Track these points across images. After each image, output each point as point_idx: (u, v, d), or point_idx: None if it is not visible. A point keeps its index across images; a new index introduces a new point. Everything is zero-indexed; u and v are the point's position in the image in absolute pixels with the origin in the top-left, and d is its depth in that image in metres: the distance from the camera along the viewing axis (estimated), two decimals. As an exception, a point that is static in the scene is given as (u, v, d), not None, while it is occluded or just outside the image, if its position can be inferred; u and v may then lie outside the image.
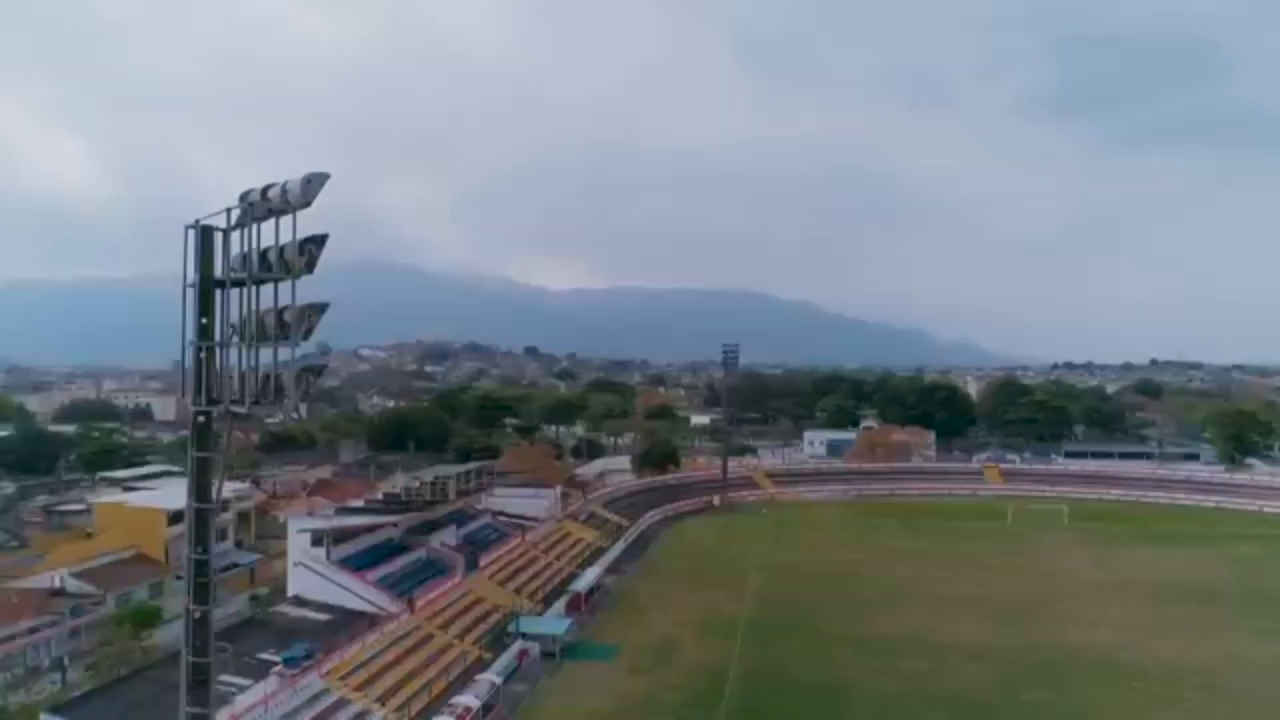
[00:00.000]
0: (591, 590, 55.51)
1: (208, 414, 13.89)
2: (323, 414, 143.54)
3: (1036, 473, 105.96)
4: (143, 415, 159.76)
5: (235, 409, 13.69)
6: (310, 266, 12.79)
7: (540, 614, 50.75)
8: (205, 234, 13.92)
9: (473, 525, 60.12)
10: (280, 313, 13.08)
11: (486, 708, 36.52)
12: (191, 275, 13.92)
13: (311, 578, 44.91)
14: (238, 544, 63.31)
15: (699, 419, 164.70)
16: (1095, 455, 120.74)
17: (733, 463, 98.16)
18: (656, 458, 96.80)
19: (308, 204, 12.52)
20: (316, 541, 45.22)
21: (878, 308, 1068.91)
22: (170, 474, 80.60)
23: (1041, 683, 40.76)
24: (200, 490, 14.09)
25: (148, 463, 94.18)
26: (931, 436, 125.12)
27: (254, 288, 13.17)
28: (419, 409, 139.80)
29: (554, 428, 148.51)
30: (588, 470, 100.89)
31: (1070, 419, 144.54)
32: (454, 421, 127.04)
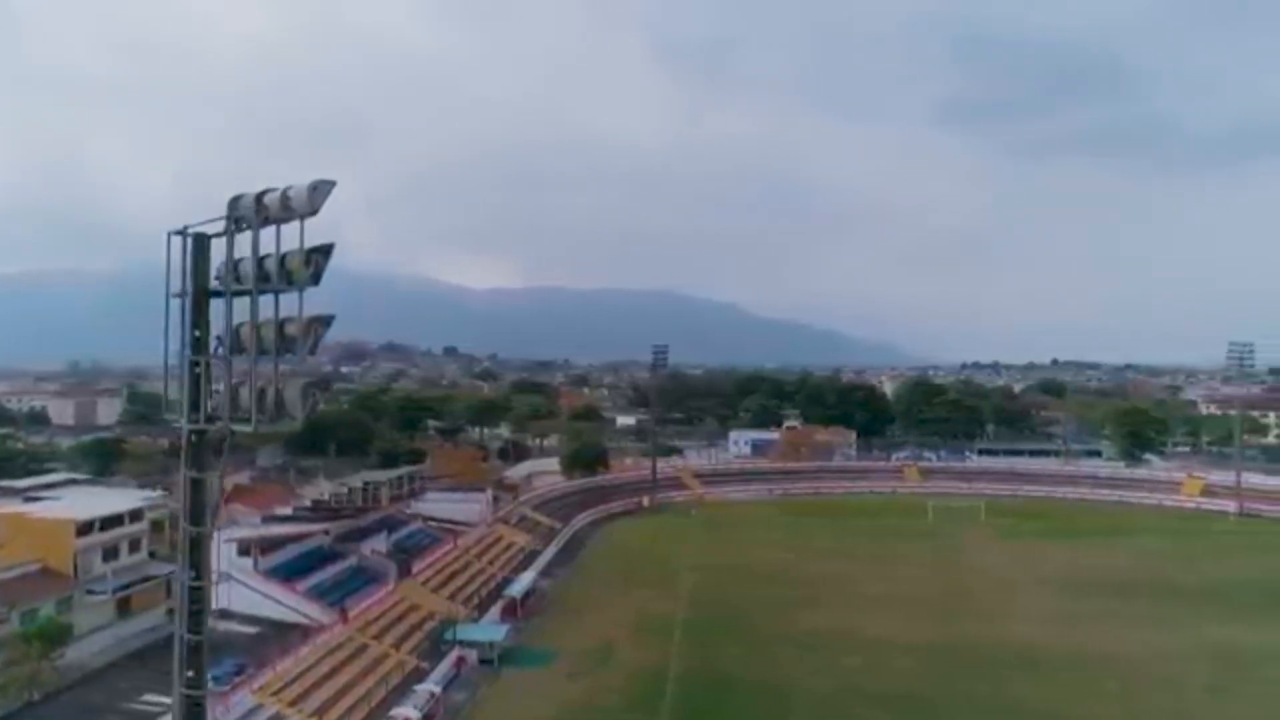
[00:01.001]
0: (526, 594, 54.99)
1: (202, 432, 13.17)
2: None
3: (953, 470, 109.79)
4: (39, 419, 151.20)
5: (239, 427, 13.02)
6: (316, 278, 12.24)
7: (476, 620, 50.04)
8: (199, 242, 13.19)
9: (403, 531, 58.89)
10: (281, 325, 12.50)
11: (426, 718, 35.80)
12: (176, 285, 13.20)
13: (238, 589, 43.28)
14: (151, 555, 60.48)
15: (624, 420, 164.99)
16: (1006, 453, 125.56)
17: (660, 463, 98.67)
18: (586, 459, 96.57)
19: (314, 211, 11.96)
20: (243, 551, 43.62)
21: (798, 309, 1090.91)
22: (75, 482, 76.38)
23: (973, 676, 42.14)
24: (194, 512, 13.36)
25: (50, 470, 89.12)
26: (852, 436, 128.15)
27: (253, 298, 12.56)
28: (338, 411, 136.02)
29: (478, 430, 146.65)
30: (515, 472, 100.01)
31: (982, 418, 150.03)
32: (375, 424, 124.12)
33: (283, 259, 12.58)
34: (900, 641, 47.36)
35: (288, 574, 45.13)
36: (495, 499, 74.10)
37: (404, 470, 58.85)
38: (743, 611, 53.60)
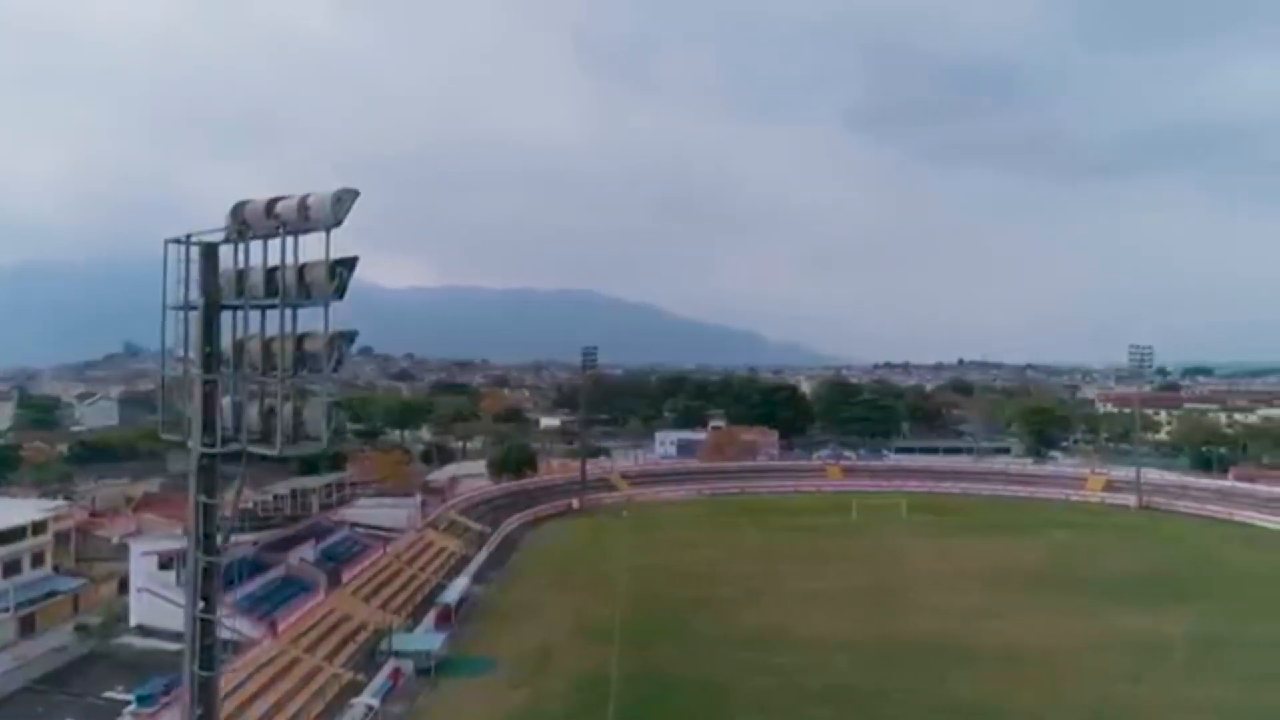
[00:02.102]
0: (460, 601, 54.04)
1: (212, 455, 12.34)
2: (142, 420, 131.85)
3: (874, 468, 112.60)
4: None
5: (260, 449, 12.22)
6: (341, 292, 11.58)
7: (410, 629, 48.88)
8: (209, 252, 12.35)
9: (331, 539, 57.08)
10: (300, 341, 11.78)
11: (367, 733, 34.77)
12: (174, 297, 12.35)
13: (159, 604, 41.13)
14: (55, 569, 57.10)
15: (549, 421, 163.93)
16: (922, 451, 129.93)
17: (588, 465, 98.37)
18: (513, 462, 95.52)
19: (338, 223, 11.29)
20: (165, 564, 41.50)
21: (715, 310, 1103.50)
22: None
23: (905, 670, 43.23)
24: (205, 540, 12.52)
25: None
26: (775, 435, 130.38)
27: (280, 313, 11.78)
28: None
29: (399, 432, 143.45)
30: (439, 476, 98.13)
31: (898, 417, 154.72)
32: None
33: (301, 271, 11.89)
34: (836, 638, 48.24)
35: (212, 587, 43.18)
36: (423, 504, 72.57)
37: (334, 477, 56.96)
38: (680, 612, 53.81)
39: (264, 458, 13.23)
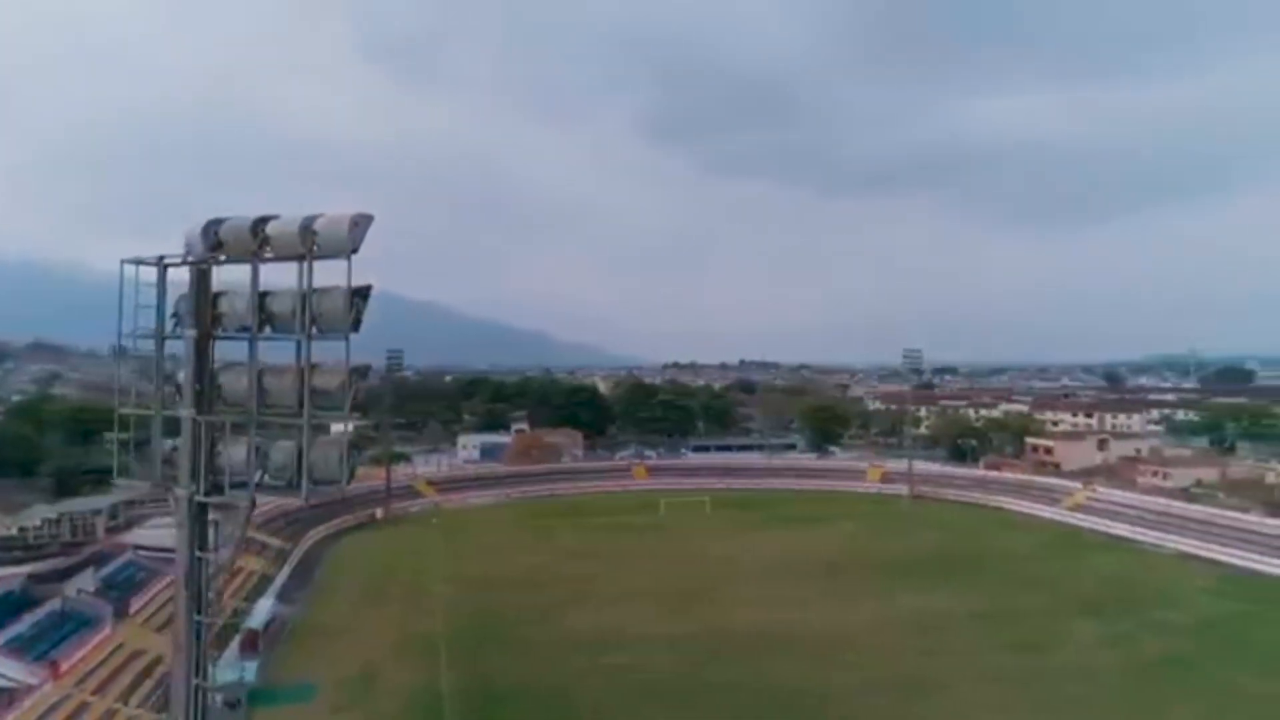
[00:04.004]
0: (267, 624, 50.36)
1: (204, 503, 10.62)
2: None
3: (676, 467, 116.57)
4: None
5: (277, 496, 10.63)
6: (357, 324, 10.32)
7: (214, 659, 44.78)
8: (202, 278, 10.61)
9: (113, 566, 51.14)
10: (302, 374, 10.37)
11: (181, 779, 31.59)
12: (130, 323, 10.54)
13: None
14: None
15: (337, 427, 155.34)
16: (718, 449, 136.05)
17: (390, 472, 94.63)
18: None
19: (355, 249, 10.05)
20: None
21: (506, 309, 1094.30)
22: None
23: (731, 661, 45.34)
24: (198, 599, 10.76)
25: None
26: (579, 436, 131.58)
27: (298, 346, 10.25)
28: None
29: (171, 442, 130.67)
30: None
31: (693, 416, 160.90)
32: (42, 439, 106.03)
33: (304, 299, 10.62)
34: (659, 634, 49.69)
35: (-28, 629, 37.46)
36: (215, 520, 66.63)
37: (120, 496, 51.06)
38: (504, 619, 53.22)
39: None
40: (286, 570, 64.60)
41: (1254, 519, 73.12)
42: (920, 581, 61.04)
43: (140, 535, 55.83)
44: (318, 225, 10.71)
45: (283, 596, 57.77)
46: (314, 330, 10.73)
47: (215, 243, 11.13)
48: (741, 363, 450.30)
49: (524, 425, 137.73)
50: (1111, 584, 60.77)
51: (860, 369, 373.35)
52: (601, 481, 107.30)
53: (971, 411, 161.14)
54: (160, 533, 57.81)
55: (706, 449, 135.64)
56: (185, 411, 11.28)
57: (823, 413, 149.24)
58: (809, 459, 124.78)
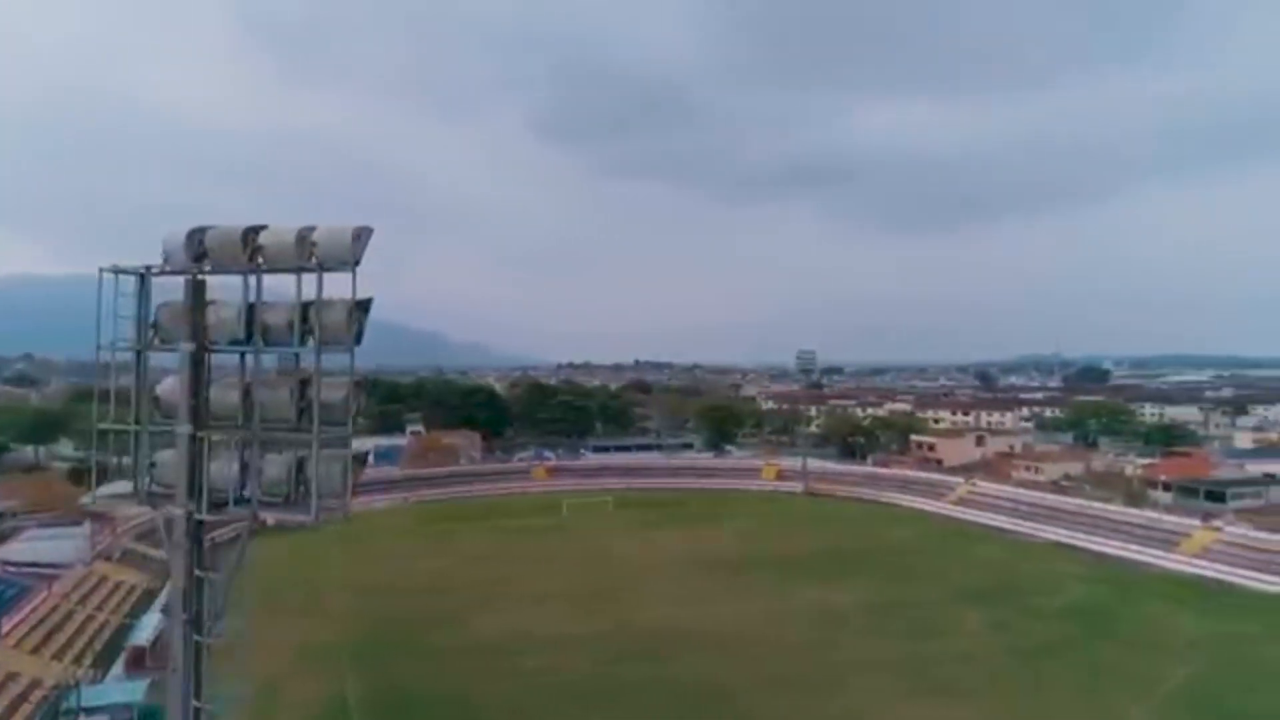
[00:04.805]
0: (155, 640, 47.79)
1: (200, 521, 9.97)
2: None
3: (576, 468, 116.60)
4: None
5: (279, 514, 10.03)
6: (359, 338, 9.91)
7: (99, 680, 42.42)
8: (197, 289, 9.98)
9: (-20, 583, 47.67)
10: (302, 386, 9.88)
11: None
12: (109, 332, 9.84)
13: None
14: None
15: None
16: (616, 449, 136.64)
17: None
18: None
19: (357, 262, 9.65)
20: None
21: (397, 308, 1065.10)
22: None
23: (643, 659, 45.88)
24: (198, 620, 10.11)
25: None
26: (477, 438, 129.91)
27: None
28: None
29: (32, 448, 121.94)
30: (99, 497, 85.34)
31: (591, 416, 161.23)
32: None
33: (304, 312, 10.25)
34: (569, 636, 49.86)
35: None
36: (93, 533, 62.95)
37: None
38: (413, 626, 52.27)
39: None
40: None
41: (1116, 509, 78.94)
42: (818, 576, 63.23)
43: (14, 549, 52.21)
44: (316, 236, 10.49)
45: (170, 610, 54.94)
46: (310, 343, 10.51)
47: (200, 252, 10.71)
48: (636, 363, 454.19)
49: (420, 427, 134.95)
50: (993, 573, 64.56)
51: (750, 369, 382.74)
52: (502, 483, 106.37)
53: (859, 410, 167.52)
54: (28, 546, 54.27)
55: (606, 449, 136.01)
56: (182, 427, 10.83)
57: (718, 412, 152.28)
58: (707, 458, 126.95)
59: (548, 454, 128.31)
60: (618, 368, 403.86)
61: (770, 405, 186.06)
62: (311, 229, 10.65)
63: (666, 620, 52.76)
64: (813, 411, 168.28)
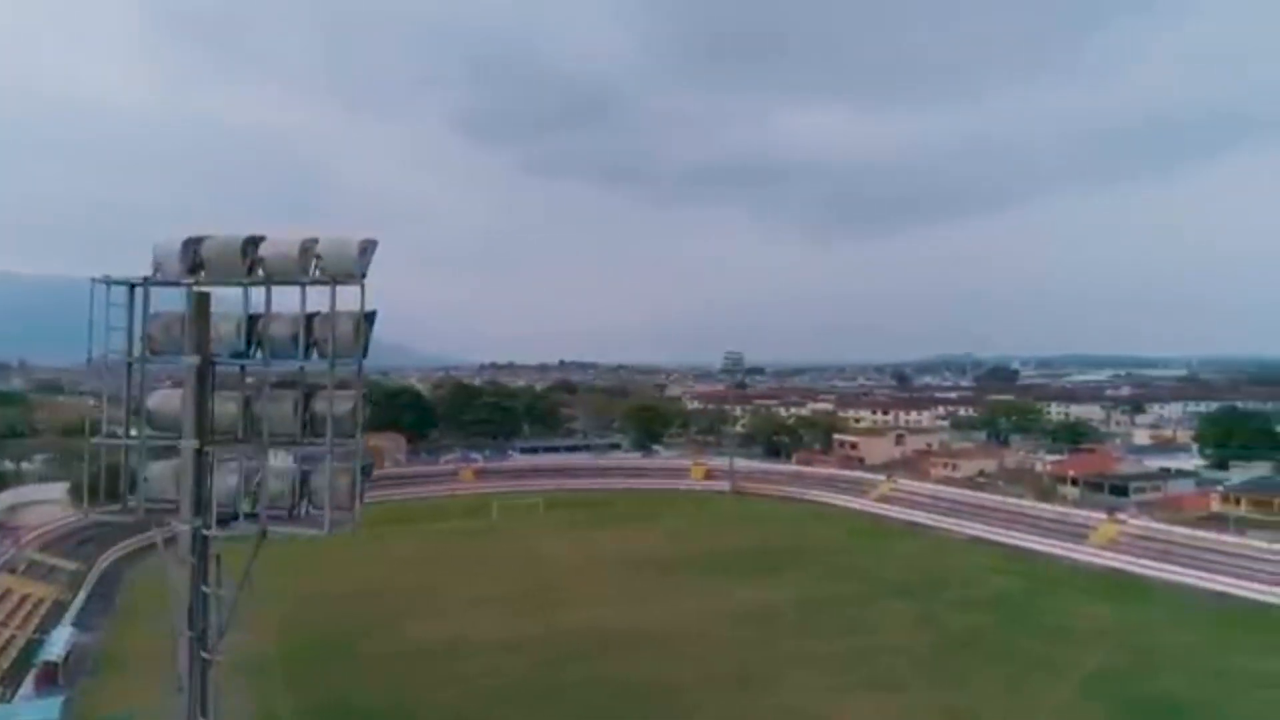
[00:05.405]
0: (67, 656, 45.56)
1: (205, 536, 9.41)
2: None
3: (505, 469, 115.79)
4: None
5: (290, 529, 9.49)
6: (365, 350, 9.53)
7: (8, 699, 40.24)
8: (200, 301, 9.43)
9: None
10: (306, 399, 9.45)
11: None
12: (101, 342, 9.22)
13: None
14: None
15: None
16: (544, 450, 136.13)
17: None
18: (109, 483, 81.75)
19: (363, 274, 9.29)
20: None
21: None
22: None
23: (580, 660, 45.94)
24: (204, 637, 9.53)
25: None
26: (403, 440, 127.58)
27: (330, 371, 9.21)
28: None
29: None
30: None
31: (518, 417, 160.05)
32: None
33: (309, 323, 9.89)
34: (508, 639, 49.50)
35: None
36: (-6, 543, 59.61)
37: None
38: (345, 635, 51.07)
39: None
40: (83, 595, 58.80)
41: (1028, 504, 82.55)
42: (749, 574, 64.30)
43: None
44: (320, 249, 10.23)
45: (81, 624, 52.53)
46: (315, 355, 10.22)
47: (196, 263, 10.29)
48: (561, 363, 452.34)
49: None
50: (918, 568, 66.75)
51: (674, 369, 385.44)
52: (429, 486, 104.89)
53: (783, 410, 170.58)
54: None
55: (534, 450, 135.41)
56: (187, 441, 10.42)
57: (645, 413, 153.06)
58: (635, 458, 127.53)
59: (474, 455, 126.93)
60: (542, 368, 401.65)
61: (696, 405, 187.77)
62: (314, 241, 10.44)
63: (603, 621, 52.91)
64: (738, 411, 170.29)
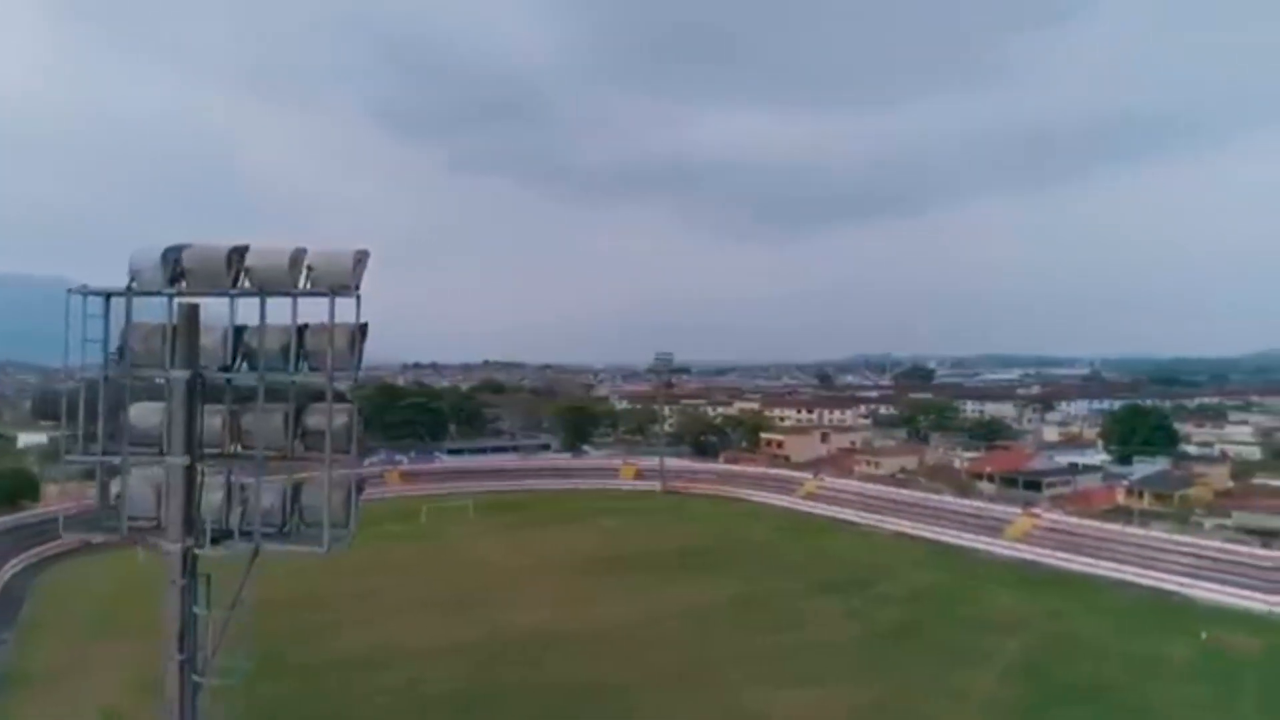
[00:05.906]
0: (-25, 676, 43.21)
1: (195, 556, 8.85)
2: None
3: (431, 471, 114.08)
4: None
5: (283, 546, 8.96)
6: (358, 363, 9.16)
7: (-92, 722, 37.89)
8: (190, 314, 8.87)
9: None
10: (297, 415, 9.00)
11: None
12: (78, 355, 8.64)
13: None
14: None
15: (31, 438, 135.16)
16: (472, 451, 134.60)
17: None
18: (6, 490, 77.79)
19: (357, 286, 8.91)
20: None
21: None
22: None
23: (515, 663, 45.64)
24: (194, 659, 8.96)
25: None
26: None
27: (329, 386, 8.73)
28: None
29: None
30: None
31: (444, 418, 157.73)
32: None
33: (300, 335, 9.52)
34: (443, 645, 48.86)
35: None
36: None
37: None
38: (273, 644, 48.75)
39: None
40: (-15, 608, 55.67)
41: (949, 499, 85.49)
42: (683, 573, 64.91)
43: None
44: (311, 260, 9.95)
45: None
46: (307, 368, 9.94)
47: (177, 273, 9.86)
48: (486, 363, 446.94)
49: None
50: (845, 564, 68.47)
51: (601, 368, 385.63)
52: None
53: (710, 409, 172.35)
54: None
55: (461, 452, 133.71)
56: (176, 458, 9.96)
57: (575, 412, 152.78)
58: (565, 459, 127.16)
59: (399, 458, 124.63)
60: (467, 368, 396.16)
61: (624, 405, 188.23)
62: (303, 251, 10.19)
63: (538, 623, 52.69)
64: (665, 411, 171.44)
